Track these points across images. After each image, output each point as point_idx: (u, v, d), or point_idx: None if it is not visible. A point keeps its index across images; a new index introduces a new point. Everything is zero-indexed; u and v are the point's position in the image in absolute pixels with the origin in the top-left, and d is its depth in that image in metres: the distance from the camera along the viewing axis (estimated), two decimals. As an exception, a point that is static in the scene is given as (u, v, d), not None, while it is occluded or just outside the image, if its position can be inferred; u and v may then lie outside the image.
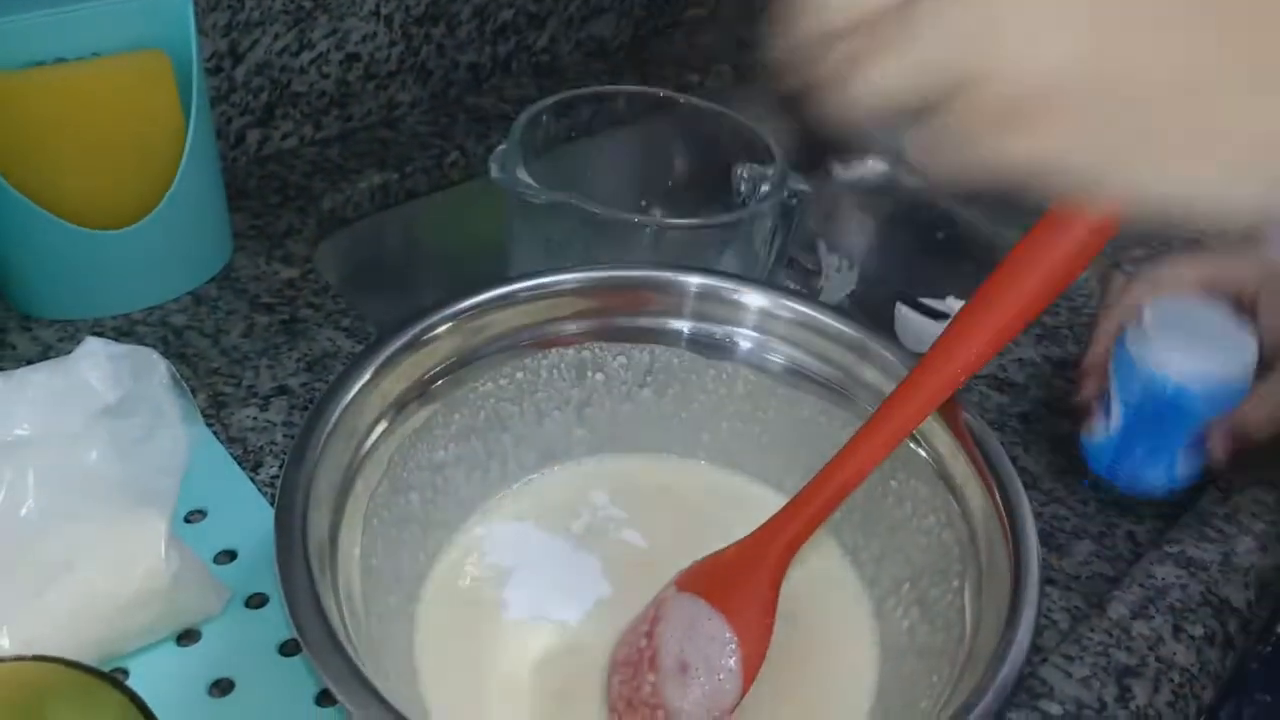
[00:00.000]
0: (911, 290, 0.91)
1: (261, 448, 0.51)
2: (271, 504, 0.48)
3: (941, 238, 1.02)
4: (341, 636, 0.33)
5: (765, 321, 0.46)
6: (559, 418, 0.48)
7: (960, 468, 0.41)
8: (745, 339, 0.47)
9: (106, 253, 0.56)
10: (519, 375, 0.46)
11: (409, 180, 0.72)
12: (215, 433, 0.52)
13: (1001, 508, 0.38)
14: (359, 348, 0.57)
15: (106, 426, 0.41)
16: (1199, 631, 0.47)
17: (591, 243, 0.59)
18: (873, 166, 1.09)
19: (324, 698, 0.41)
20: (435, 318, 0.42)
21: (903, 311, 0.90)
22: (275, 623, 0.44)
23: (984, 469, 0.40)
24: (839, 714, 0.40)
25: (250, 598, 0.45)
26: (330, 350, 0.57)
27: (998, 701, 0.31)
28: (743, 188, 0.68)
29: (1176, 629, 0.47)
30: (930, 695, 0.37)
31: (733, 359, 0.47)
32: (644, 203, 0.70)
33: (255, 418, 0.53)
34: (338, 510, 0.39)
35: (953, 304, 0.94)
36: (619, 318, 0.47)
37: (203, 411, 0.52)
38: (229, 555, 0.46)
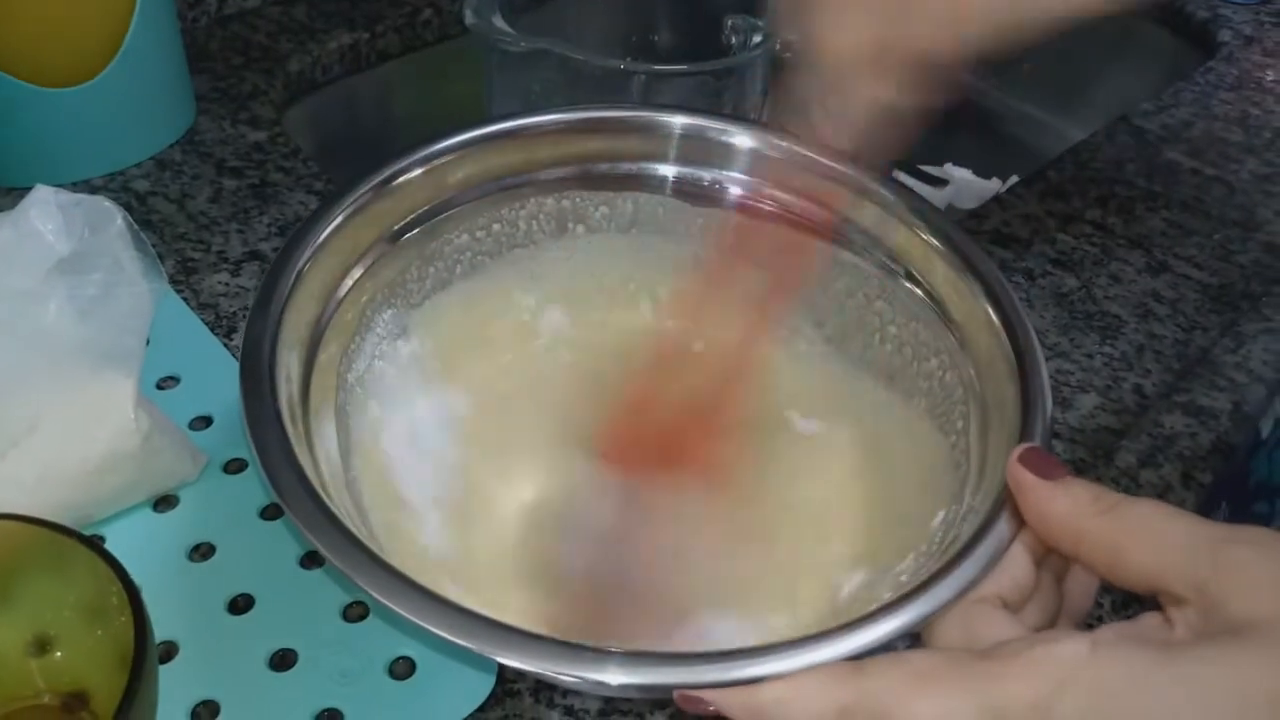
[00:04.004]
0: (908, 157, 0.88)
1: (234, 314, 0.49)
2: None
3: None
4: (322, 495, 0.31)
5: (756, 164, 0.44)
6: (541, 273, 0.45)
7: (963, 307, 0.39)
8: (735, 183, 0.44)
9: (60, 112, 0.52)
10: (496, 227, 0.44)
11: (380, 41, 0.68)
12: (185, 299, 0.49)
13: (1008, 344, 0.36)
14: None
15: (63, 282, 0.38)
16: (1208, 479, 0.46)
17: (575, 96, 0.56)
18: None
19: (308, 559, 0.40)
20: (406, 161, 0.39)
21: (900, 178, 0.87)
22: (255, 487, 0.42)
23: (988, 307, 0.38)
24: (834, 544, 0.39)
25: (229, 463, 0.43)
26: (304, 214, 0.55)
27: (1010, 529, 0.29)
28: (733, 40, 0.64)
29: (1186, 477, 0.46)
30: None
31: (721, 205, 0.45)
32: (629, 59, 0.67)
33: (227, 284, 0.51)
34: (308, 365, 0.37)
35: (951, 170, 0.91)
36: (600, 164, 0.44)
37: (172, 278, 0.50)
38: (204, 421, 0.44)
